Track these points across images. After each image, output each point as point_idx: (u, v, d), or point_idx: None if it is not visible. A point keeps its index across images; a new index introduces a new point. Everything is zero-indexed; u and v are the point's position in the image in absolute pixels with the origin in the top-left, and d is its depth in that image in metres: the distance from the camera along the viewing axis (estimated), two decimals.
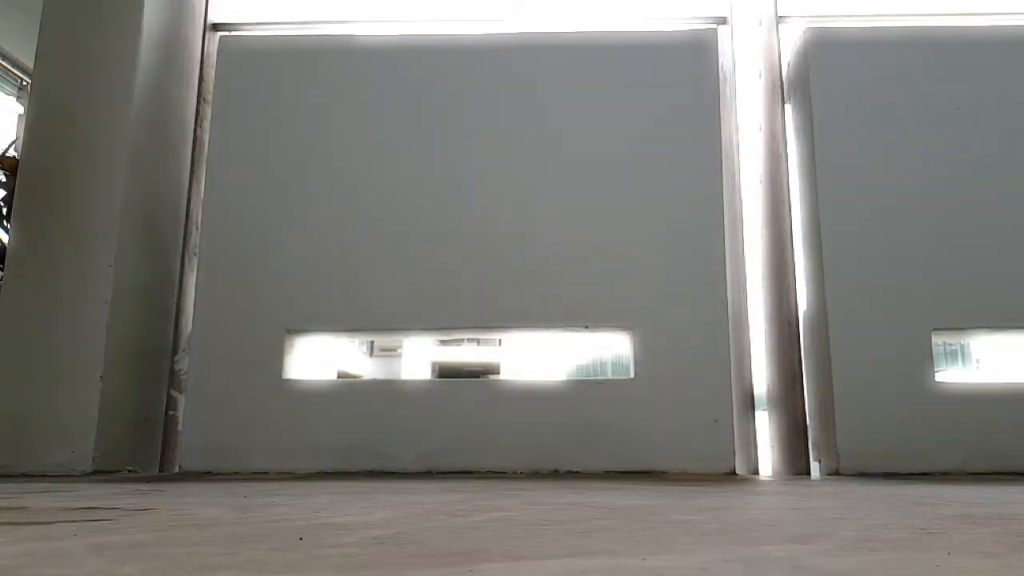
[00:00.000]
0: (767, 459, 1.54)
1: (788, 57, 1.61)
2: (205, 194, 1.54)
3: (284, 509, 0.65)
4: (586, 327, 1.45)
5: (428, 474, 1.34)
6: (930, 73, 1.51)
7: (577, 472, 1.35)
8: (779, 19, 1.60)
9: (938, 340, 1.44)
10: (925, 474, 1.34)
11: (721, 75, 1.55)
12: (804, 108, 1.52)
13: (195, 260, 1.54)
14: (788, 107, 1.59)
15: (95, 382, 1.34)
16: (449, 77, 1.56)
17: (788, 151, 1.57)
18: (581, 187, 1.49)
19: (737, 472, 1.37)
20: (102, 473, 1.33)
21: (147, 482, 1.11)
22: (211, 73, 1.64)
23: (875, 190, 1.46)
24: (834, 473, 1.36)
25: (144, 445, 1.46)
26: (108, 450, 1.35)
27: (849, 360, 1.39)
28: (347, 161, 1.52)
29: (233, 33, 1.69)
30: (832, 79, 1.51)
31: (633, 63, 1.54)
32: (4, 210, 1.83)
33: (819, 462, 1.44)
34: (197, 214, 1.60)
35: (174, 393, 1.54)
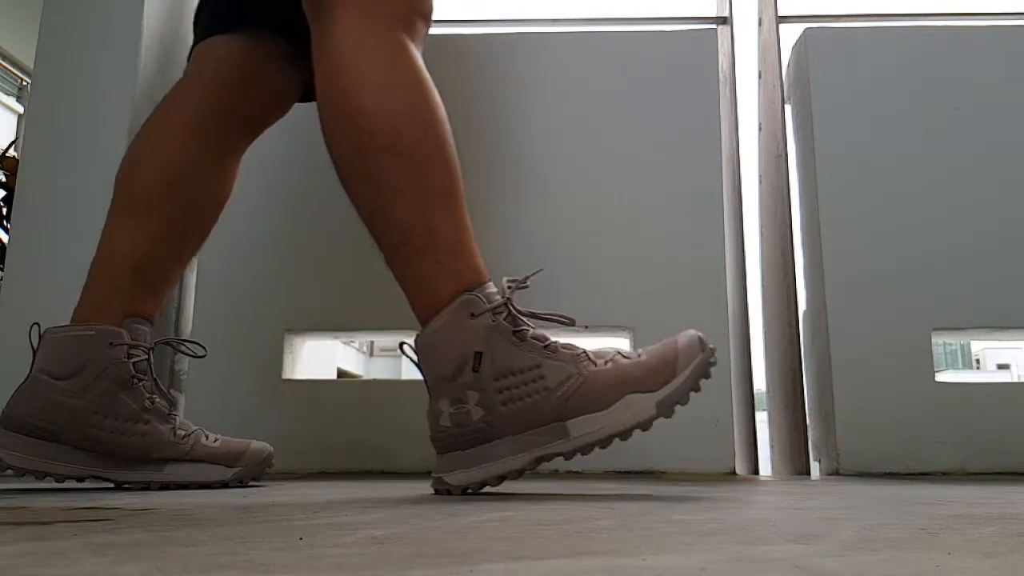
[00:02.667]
0: (767, 459, 1.54)
1: (788, 57, 1.61)
2: None
3: (284, 509, 0.65)
4: (586, 327, 1.45)
5: (428, 474, 1.34)
6: (930, 73, 1.51)
7: (577, 472, 1.35)
8: (779, 19, 1.60)
9: (938, 340, 1.44)
10: (925, 474, 1.34)
11: (721, 75, 1.55)
12: (804, 108, 1.52)
13: (195, 260, 1.54)
14: (788, 107, 1.59)
15: None
16: (449, 77, 1.55)
17: (788, 151, 1.57)
18: (580, 187, 1.49)
19: (737, 472, 1.37)
20: None
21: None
22: None
23: (875, 190, 1.46)
24: (834, 473, 1.36)
25: None
26: None
27: (849, 360, 1.39)
28: None
29: None
30: (832, 79, 1.51)
31: (632, 63, 1.54)
32: (4, 210, 1.83)
33: (819, 462, 1.44)
34: None
35: (174, 393, 1.54)
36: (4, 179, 1.88)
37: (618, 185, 1.49)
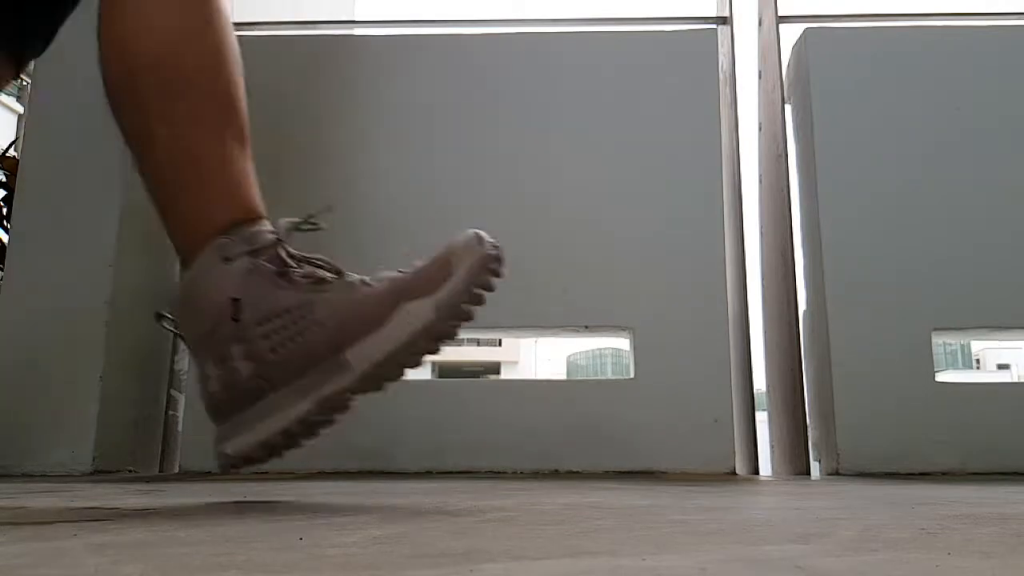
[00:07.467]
0: (767, 459, 1.54)
1: (788, 57, 1.61)
2: None
3: (284, 509, 0.65)
4: (586, 327, 1.45)
5: (428, 474, 1.34)
6: (930, 73, 1.51)
7: (577, 472, 1.35)
8: (779, 19, 1.60)
9: (938, 340, 1.44)
10: (925, 474, 1.34)
11: (721, 75, 1.55)
12: (804, 108, 1.52)
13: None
14: (788, 107, 1.59)
15: (95, 382, 1.34)
16: (450, 78, 1.56)
17: (788, 151, 1.56)
18: (581, 187, 1.49)
19: (737, 472, 1.37)
20: (102, 473, 1.33)
21: (147, 482, 1.11)
22: None
23: (875, 190, 1.46)
24: (834, 473, 1.36)
25: (144, 445, 1.46)
26: (108, 450, 1.35)
27: (849, 360, 1.39)
28: (347, 159, 1.52)
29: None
30: (832, 79, 1.51)
31: (632, 63, 1.54)
32: (4, 210, 1.83)
33: (819, 462, 1.44)
34: None
35: (174, 393, 1.54)
36: (4, 179, 1.88)
37: (618, 185, 1.49)
